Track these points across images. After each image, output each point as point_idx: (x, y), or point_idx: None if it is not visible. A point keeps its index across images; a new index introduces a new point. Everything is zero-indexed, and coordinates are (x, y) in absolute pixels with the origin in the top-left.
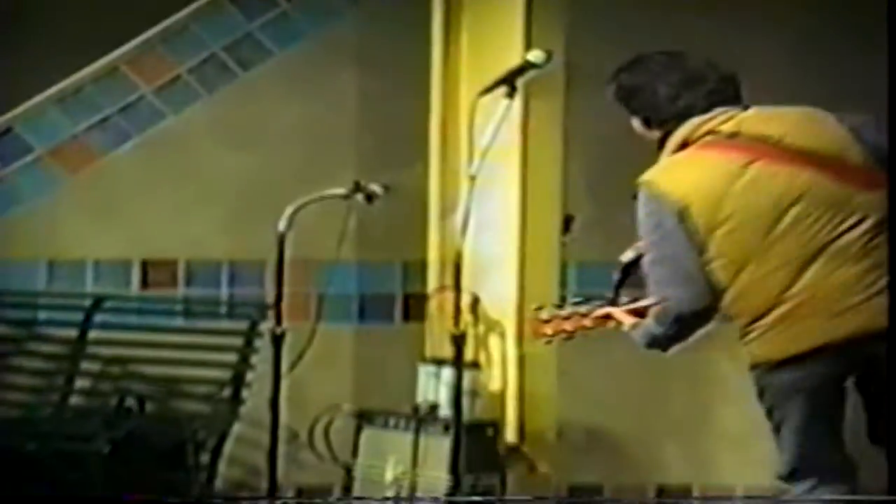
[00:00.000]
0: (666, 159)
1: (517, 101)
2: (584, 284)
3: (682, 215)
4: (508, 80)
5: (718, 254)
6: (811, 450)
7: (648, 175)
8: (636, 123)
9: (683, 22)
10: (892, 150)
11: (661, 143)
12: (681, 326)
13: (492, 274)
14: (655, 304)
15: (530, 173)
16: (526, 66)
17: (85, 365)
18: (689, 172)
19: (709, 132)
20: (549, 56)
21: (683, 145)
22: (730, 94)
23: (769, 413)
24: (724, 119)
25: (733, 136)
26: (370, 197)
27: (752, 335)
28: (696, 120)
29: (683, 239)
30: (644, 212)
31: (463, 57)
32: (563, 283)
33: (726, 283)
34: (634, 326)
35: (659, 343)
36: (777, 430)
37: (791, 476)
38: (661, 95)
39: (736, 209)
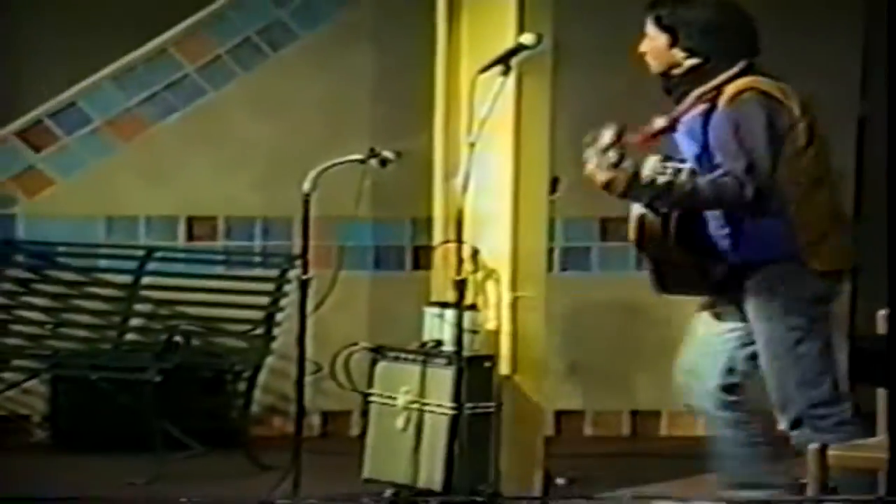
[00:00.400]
0: (752, 79)
1: (511, 79)
2: (569, 237)
3: (792, 125)
4: (504, 60)
5: (798, 173)
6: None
7: (757, 85)
8: (662, 41)
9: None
10: (891, 149)
11: (666, 73)
12: (756, 189)
13: (489, 228)
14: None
15: (522, 141)
16: (519, 48)
17: (138, 306)
18: (788, 94)
19: (758, 70)
20: (540, 39)
21: (738, 76)
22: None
23: (812, 324)
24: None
25: (778, 79)
26: (383, 162)
27: (813, 248)
28: (743, 62)
29: (780, 146)
30: (755, 112)
31: (464, 38)
32: (551, 237)
33: (796, 198)
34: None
35: (739, 187)
36: (824, 346)
37: (832, 402)
38: (716, 34)
39: (820, 137)
